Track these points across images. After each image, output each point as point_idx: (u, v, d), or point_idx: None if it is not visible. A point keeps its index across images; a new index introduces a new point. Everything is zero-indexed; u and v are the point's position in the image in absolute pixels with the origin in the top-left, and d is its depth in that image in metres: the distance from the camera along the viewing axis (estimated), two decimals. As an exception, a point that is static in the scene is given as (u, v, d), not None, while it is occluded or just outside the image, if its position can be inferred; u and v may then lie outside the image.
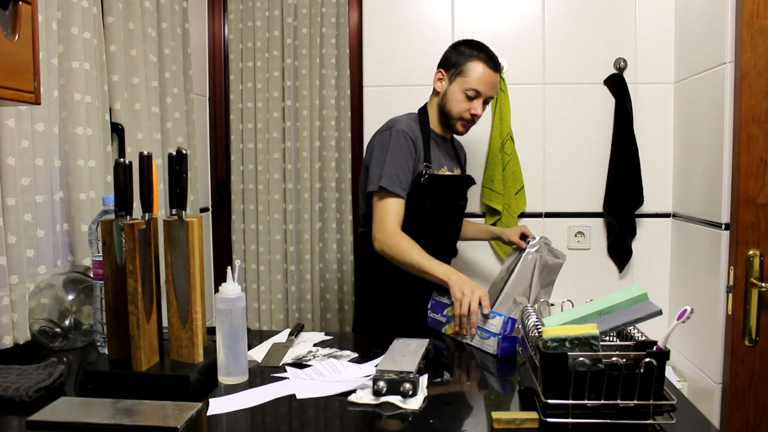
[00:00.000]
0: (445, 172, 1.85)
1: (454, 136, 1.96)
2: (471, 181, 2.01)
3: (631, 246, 2.38)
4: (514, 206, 2.36)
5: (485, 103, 1.80)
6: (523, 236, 1.90)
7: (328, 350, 1.43)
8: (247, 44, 2.50)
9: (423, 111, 1.88)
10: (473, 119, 1.80)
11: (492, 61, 1.78)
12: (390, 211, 1.71)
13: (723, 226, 1.88)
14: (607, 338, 1.17)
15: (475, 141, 2.37)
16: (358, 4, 2.46)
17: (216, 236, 2.63)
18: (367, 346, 1.43)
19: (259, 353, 1.41)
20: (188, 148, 2.26)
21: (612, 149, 2.35)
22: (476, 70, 1.76)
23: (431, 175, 1.77)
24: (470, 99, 1.77)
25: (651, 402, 0.98)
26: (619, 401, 0.98)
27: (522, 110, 2.39)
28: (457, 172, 1.91)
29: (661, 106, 2.35)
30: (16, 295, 1.47)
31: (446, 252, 1.90)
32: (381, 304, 1.84)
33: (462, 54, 1.80)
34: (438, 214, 1.82)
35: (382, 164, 1.73)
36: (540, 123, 2.40)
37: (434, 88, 1.86)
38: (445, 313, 1.59)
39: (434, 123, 1.86)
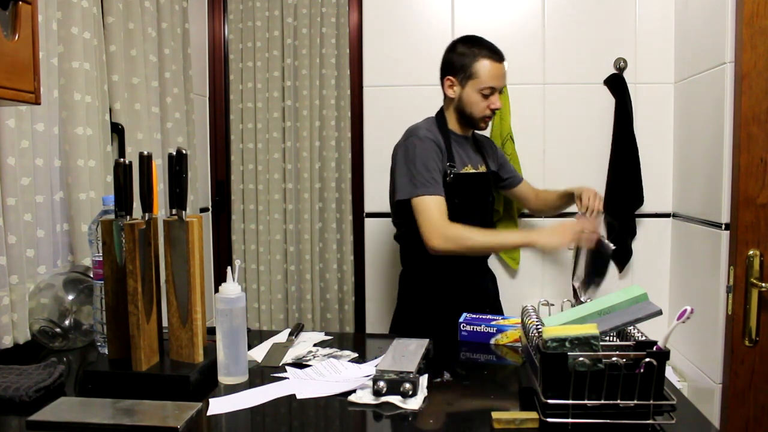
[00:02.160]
0: (469, 170, 1.86)
1: (475, 132, 1.99)
2: (497, 178, 2.03)
3: (631, 246, 2.38)
4: (514, 206, 2.36)
5: (500, 93, 1.84)
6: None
7: (328, 350, 1.43)
8: (247, 44, 2.50)
9: (440, 114, 1.91)
10: (494, 113, 1.85)
11: (496, 54, 1.80)
12: (435, 211, 1.72)
13: (723, 226, 1.88)
14: (607, 338, 1.17)
15: (475, 141, 2.36)
16: (358, 4, 2.46)
17: (216, 236, 2.62)
18: (367, 346, 1.42)
19: (259, 353, 1.41)
20: (188, 148, 2.26)
21: (612, 149, 2.35)
22: (485, 68, 1.78)
23: (456, 174, 1.80)
24: (486, 96, 1.80)
25: (651, 402, 0.98)
26: (619, 401, 0.98)
27: (522, 110, 2.39)
28: (482, 169, 1.92)
29: (661, 106, 2.35)
30: (16, 295, 1.47)
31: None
32: (420, 306, 1.88)
33: (464, 55, 1.81)
34: (469, 213, 1.82)
35: (413, 172, 1.74)
36: (540, 123, 2.40)
37: (447, 95, 1.88)
38: (493, 323, 1.53)
39: (453, 124, 1.90)
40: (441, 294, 1.85)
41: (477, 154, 1.94)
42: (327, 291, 2.55)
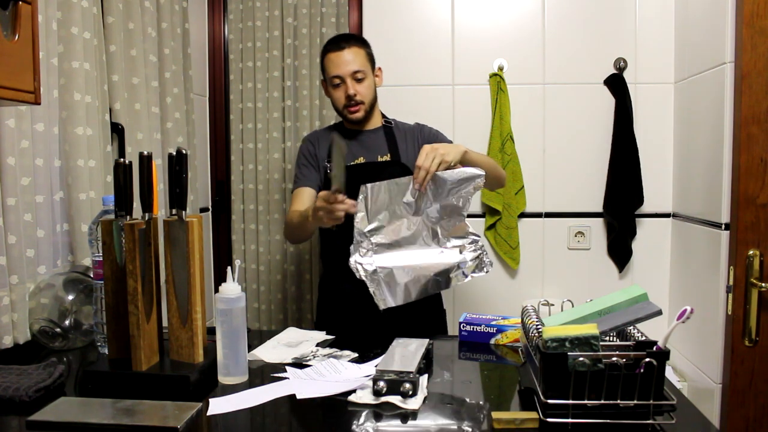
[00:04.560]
0: (360, 161, 1.83)
1: (396, 123, 1.91)
2: (401, 167, 1.82)
3: (631, 246, 2.38)
4: (514, 206, 2.36)
5: (357, 80, 1.78)
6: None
7: (328, 350, 1.43)
8: (247, 44, 2.50)
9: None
10: (354, 100, 1.78)
11: (332, 45, 1.81)
12: (293, 204, 1.81)
13: (723, 226, 1.88)
14: (607, 338, 1.17)
15: (476, 141, 2.36)
16: (358, 4, 2.46)
17: (216, 236, 2.62)
18: (367, 346, 1.43)
19: (264, 352, 1.41)
20: (188, 148, 2.26)
21: (612, 149, 2.35)
22: (327, 62, 1.82)
23: None
24: (337, 86, 1.80)
25: (651, 402, 0.98)
26: (619, 401, 0.98)
27: (522, 110, 2.39)
28: (383, 159, 1.83)
29: (661, 106, 2.35)
30: (16, 295, 1.47)
31: None
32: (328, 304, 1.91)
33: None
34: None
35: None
36: (540, 123, 2.40)
37: None
38: (493, 323, 1.51)
39: (346, 122, 1.90)
40: (355, 304, 1.74)
41: (384, 145, 1.85)
42: (327, 291, 2.55)
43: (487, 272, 1.54)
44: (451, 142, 1.89)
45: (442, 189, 1.54)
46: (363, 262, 1.54)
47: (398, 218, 1.56)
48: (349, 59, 1.78)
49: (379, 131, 1.89)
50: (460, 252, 1.57)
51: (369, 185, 1.54)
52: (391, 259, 1.55)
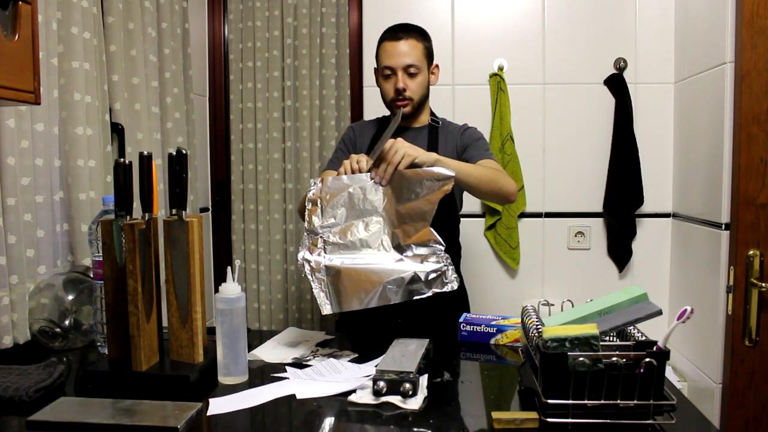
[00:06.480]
0: None
1: (444, 122, 1.83)
2: None
3: (631, 246, 2.38)
4: (514, 206, 2.36)
5: (410, 74, 1.70)
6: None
7: (328, 350, 1.43)
8: (247, 44, 2.51)
9: None
10: (402, 94, 1.70)
11: (389, 33, 1.73)
12: None
13: (723, 226, 1.88)
14: (607, 338, 1.17)
15: (475, 141, 2.36)
16: (358, 4, 2.46)
17: (216, 236, 2.63)
18: (367, 346, 1.42)
19: (264, 352, 1.41)
20: (188, 148, 2.26)
21: (612, 149, 2.35)
22: (381, 51, 1.74)
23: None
24: (388, 78, 1.72)
25: (651, 402, 0.98)
26: (619, 401, 0.98)
27: (522, 110, 2.39)
28: None
29: (661, 106, 2.35)
30: (16, 295, 1.47)
31: None
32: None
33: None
34: None
35: None
36: (540, 123, 2.40)
37: None
38: (493, 323, 1.50)
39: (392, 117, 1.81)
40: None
41: (425, 145, 1.75)
42: (327, 291, 2.55)
43: (449, 291, 1.33)
44: (488, 149, 1.79)
45: (407, 189, 1.39)
46: (311, 259, 1.40)
47: (355, 218, 1.43)
48: (403, 51, 1.69)
49: (424, 130, 1.80)
50: (421, 262, 1.36)
51: (327, 178, 1.45)
52: (341, 260, 1.40)
